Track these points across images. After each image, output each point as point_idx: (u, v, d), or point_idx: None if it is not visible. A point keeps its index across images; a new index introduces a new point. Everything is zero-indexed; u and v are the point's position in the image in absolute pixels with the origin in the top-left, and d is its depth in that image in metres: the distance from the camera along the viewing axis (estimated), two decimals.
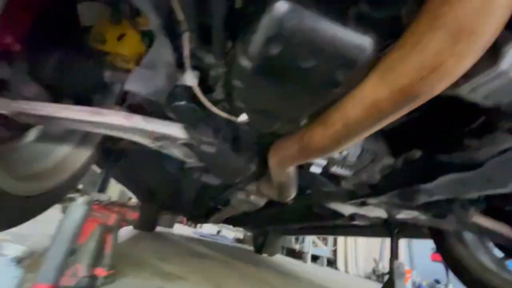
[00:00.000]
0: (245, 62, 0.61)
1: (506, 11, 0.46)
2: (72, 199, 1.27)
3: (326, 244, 5.82)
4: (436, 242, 1.97)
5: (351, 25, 0.54)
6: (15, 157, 1.00)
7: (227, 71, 0.81)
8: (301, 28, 0.53)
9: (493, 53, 0.59)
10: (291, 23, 0.52)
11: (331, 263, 5.83)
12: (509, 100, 0.68)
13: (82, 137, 1.27)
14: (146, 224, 4.04)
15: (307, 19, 0.52)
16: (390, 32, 0.60)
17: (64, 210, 1.25)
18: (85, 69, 0.96)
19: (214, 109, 0.82)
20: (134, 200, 3.70)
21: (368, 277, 5.31)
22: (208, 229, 7.55)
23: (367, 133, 0.74)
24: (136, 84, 0.89)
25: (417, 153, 1.05)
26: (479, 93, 0.67)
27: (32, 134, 1.07)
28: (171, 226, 6.63)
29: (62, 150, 1.20)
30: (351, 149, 1.17)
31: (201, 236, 6.30)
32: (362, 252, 5.48)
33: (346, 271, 5.56)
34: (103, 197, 1.65)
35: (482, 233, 1.50)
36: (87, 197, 1.13)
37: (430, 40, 0.50)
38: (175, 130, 1.03)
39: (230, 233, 7.13)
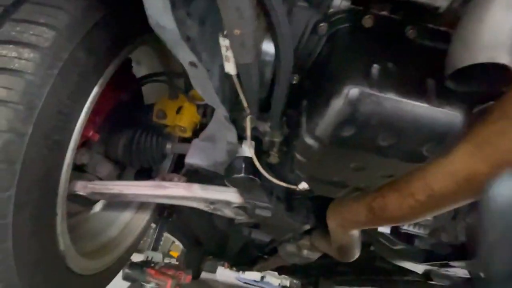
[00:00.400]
0: (311, 142, 0.59)
1: None
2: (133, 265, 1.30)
3: None
4: None
5: (434, 101, 0.50)
6: (84, 230, 1.07)
7: (285, 142, 0.80)
8: (375, 112, 0.49)
9: None
10: (365, 108, 0.49)
11: None
12: None
13: (142, 202, 1.33)
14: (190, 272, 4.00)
15: (382, 103, 0.49)
16: (483, 98, 0.54)
17: (125, 277, 1.28)
18: (150, 144, 1.04)
19: (275, 180, 0.80)
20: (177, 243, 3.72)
21: None
22: (251, 274, 7.17)
23: (458, 205, 0.64)
24: (197, 157, 0.92)
25: None
26: None
27: (98, 205, 1.16)
28: (213, 270, 6.45)
29: (125, 217, 1.26)
30: None
31: (245, 283, 5.98)
32: None
33: None
34: (157, 257, 1.67)
35: None
36: None
37: None
38: (231, 195, 1.02)
39: (275, 280, 6.66)
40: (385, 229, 1.11)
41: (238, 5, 0.37)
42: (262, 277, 7.10)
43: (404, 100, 0.49)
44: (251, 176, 0.83)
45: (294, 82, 0.72)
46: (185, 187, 0.97)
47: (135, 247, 1.28)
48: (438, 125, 0.50)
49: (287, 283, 6.42)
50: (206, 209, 1.16)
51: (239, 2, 0.37)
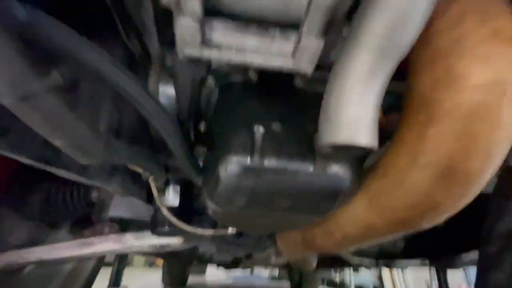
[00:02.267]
0: (213, 207, 0.55)
1: (508, 146, 0.37)
2: None
3: (370, 269, 5.35)
4: None
5: (320, 162, 0.47)
6: None
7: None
8: (259, 183, 0.46)
9: None
10: (247, 182, 0.45)
11: None
12: None
13: None
14: (175, 281, 3.94)
15: (264, 174, 0.46)
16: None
17: None
18: (71, 195, 0.95)
19: (196, 231, 0.76)
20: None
21: None
22: (241, 270, 7.26)
23: (371, 243, 0.64)
24: (120, 209, 0.86)
25: None
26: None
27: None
28: (203, 271, 6.44)
29: (66, 269, 1.17)
30: None
31: (235, 280, 6.05)
32: (412, 276, 4.96)
33: None
34: None
35: None
36: None
37: (416, 180, 0.41)
38: (168, 240, 0.97)
39: (264, 272, 6.81)
40: None
41: (50, 114, 0.31)
42: (251, 271, 7.23)
43: (288, 167, 0.46)
44: (175, 229, 0.78)
45: (201, 129, 0.68)
46: (116, 239, 0.91)
47: None
48: (325, 187, 0.48)
49: (276, 272, 6.60)
50: (149, 250, 1.10)
51: (52, 112, 0.31)
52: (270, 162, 0.46)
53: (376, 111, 0.40)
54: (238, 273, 6.64)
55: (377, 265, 1.53)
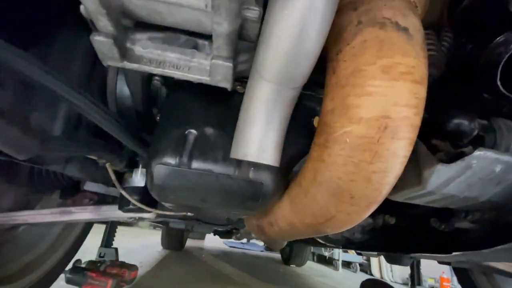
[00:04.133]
0: (153, 193, 0.61)
1: (391, 175, 0.40)
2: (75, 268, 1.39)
3: None
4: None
5: (241, 169, 0.51)
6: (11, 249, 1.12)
7: None
8: (183, 184, 0.51)
9: (417, 176, 0.52)
10: (171, 182, 0.51)
11: (365, 269, 5.59)
12: (455, 202, 0.59)
13: None
14: (173, 244, 4.32)
15: (188, 176, 0.50)
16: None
17: (67, 280, 1.38)
18: None
19: (155, 211, 0.83)
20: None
21: (405, 284, 4.99)
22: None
23: (307, 237, 0.71)
24: (92, 185, 0.94)
25: (390, 219, 0.95)
26: (419, 201, 0.59)
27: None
28: (202, 237, 6.90)
29: (55, 230, 1.31)
30: None
31: (231, 246, 6.44)
32: None
33: (382, 278, 5.29)
34: (110, 253, 1.77)
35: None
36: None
37: (315, 193, 0.46)
38: (142, 214, 1.07)
39: (260, 241, 7.19)
40: None
41: None
42: (248, 240, 7.64)
43: (213, 170, 0.51)
44: (140, 206, 0.86)
45: (158, 119, 0.72)
46: (92, 210, 1.01)
47: (71, 257, 1.36)
48: (246, 192, 0.52)
49: None
50: (130, 220, 1.22)
51: None
52: (196, 165, 0.51)
53: (280, 131, 0.43)
54: (235, 241, 7.05)
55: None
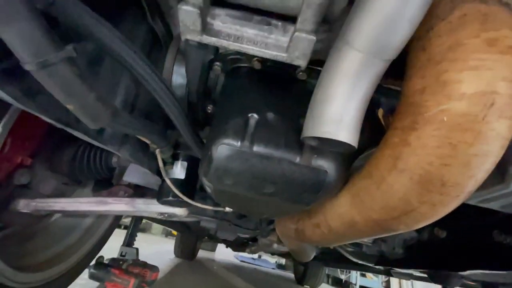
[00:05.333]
0: (207, 183, 0.60)
1: (491, 160, 0.36)
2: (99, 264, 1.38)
3: (377, 275, 5.27)
4: None
5: (306, 156, 0.49)
6: (37, 241, 1.12)
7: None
8: (246, 168, 0.49)
9: (500, 173, 0.47)
10: (234, 165, 0.49)
11: None
12: None
13: None
14: (186, 253, 4.25)
15: (252, 159, 0.49)
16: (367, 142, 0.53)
17: (90, 276, 1.37)
18: (94, 158, 1.06)
19: (195, 204, 0.82)
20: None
21: None
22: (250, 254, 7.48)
23: (355, 240, 0.66)
24: (133, 176, 0.95)
25: (441, 233, 0.88)
26: (494, 204, 0.54)
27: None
28: (213, 249, 6.78)
29: (86, 222, 1.32)
30: None
31: (242, 261, 6.27)
32: (421, 285, 4.79)
33: None
34: (131, 252, 1.76)
35: None
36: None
37: (394, 183, 0.42)
38: (175, 209, 1.05)
39: (271, 258, 6.97)
40: None
41: (64, 82, 0.37)
42: (260, 256, 7.43)
43: (275, 155, 0.49)
44: (179, 199, 0.85)
45: (209, 111, 0.72)
46: (127, 202, 1.00)
47: (96, 252, 1.35)
48: (309, 179, 0.50)
49: (283, 261, 6.73)
50: (159, 217, 1.20)
51: (65, 80, 0.36)
52: (258, 149, 0.49)
53: (361, 110, 0.40)
54: (246, 256, 6.87)
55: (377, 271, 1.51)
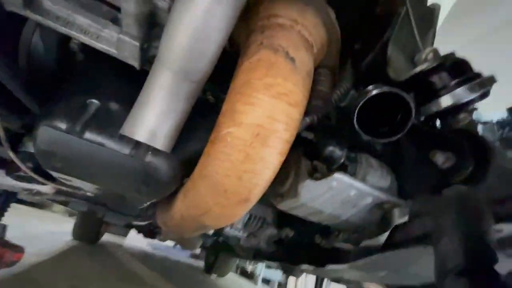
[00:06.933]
0: (37, 158, 0.57)
1: (261, 177, 0.45)
2: None
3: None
4: None
5: (142, 148, 0.52)
6: None
7: None
8: (74, 153, 0.50)
9: (295, 189, 0.59)
10: (58, 149, 0.49)
11: (282, 287, 5.81)
12: (324, 219, 0.69)
13: None
14: (86, 235, 3.75)
15: (77, 147, 0.49)
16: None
17: None
18: None
19: (42, 180, 0.77)
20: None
21: None
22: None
23: (197, 232, 0.73)
24: None
25: (290, 232, 1.05)
26: (298, 212, 0.67)
27: None
28: (125, 234, 6.31)
29: None
30: None
31: (155, 249, 6.05)
32: (313, 279, 5.50)
33: None
34: None
35: None
36: None
37: (200, 186, 0.49)
38: (39, 187, 0.96)
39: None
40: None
41: None
42: (175, 244, 7.29)
43: (107, 144, 0.51)
44: (30, 173, 0.78)
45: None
46: None
47: None
48: (141, 172, 0.53)
49: (198, 251, 6.76)
50: (25, 193, 1.08)
51: None
52: (90, 136, 0.50)
53: (175, 122, 0.46)
54: (160, 244, 6.66)
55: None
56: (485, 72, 0.53)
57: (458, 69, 0.50)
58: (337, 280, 1.16)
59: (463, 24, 2.40)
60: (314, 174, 0.59)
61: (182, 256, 6.36)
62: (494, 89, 0.53)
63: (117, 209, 1.14)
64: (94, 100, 0.51)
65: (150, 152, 0.53)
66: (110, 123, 0.51)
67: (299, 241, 1.03)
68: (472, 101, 0.50)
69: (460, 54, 0.54)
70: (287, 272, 1.22)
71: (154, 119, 0.43)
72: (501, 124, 1.20)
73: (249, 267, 5.57)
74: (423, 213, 0.55)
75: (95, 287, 2.23)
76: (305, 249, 0.99)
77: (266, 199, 1.17)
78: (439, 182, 0.55)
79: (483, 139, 0.52)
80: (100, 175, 0.53)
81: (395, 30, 0.59)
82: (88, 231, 3.75)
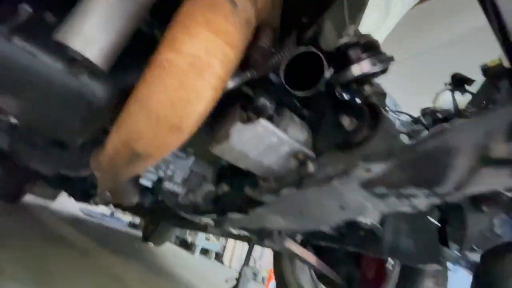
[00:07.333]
0: None
1: (197, 104, 0.50)
2: None
3: (218, 239, 6.05)
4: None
5: (77, 67, 0.52)
6: None
7: None
8: (10, 60, 0.47)
9: (225, 132, 0.65)
10: None
11: (219, 257, 6.10)
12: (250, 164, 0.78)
13: None
14: (3, 193, 3.34)
15: (15, 51, 0.47)
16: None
17: None
18: None
19: None
20: None
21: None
22: (101, 208, 6.86)
23: (129, 164, 0.75)
24: None
25: (225, 188, 1.14)
26: (229, 157, 0.75)
27: None
28: (53, 198, 5.74)
29: None
30: (178, 168, 1.20)
31: (89, 215, 5.68)
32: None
33: (230, 266, 5.91)
34: None
35: (293, 257, 1.78)
36: None
37: (134, 111, 0.52)
38: None
39: (126, 217, 6.66)
40: (146, 183, 1.24)
41: None
42: (112, 213, 6.94)
43: (40, 56, 0.49)
44: None
45: None
46: None
47: None
48: (74, 91, 0.53)
49: (138, 221, 6.56)
50: None
51: None
52: (20, 42, 0.48)
53: (114, 38, 0.47)
54: (95, 211, 6.26)
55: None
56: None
57: (369, 47, 0.62)
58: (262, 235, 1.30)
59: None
60: (247, 122, 0.66)
61: (119, 224, 6.11)
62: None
63: (46, 152, 1.06)
64: (26, 7, 0.48)
65: (86, 73, 0.53)
66: (45, 32, 0.49)
67: (232, 195, 1.13)
68: (375, 74, 0.63)
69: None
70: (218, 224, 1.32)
71: (92, 28, 0.43)
72: (415, 120, 1.50)
73: (189, 238, 5.67)
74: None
75: (16, 248, 2.01)
76: (235, 201, 1.10)
77: (207, 157, 1.23)
78: (344, 141, 0.68)
79: (379, 109, 0.66)
80: (30, 91, 0.51)
81: (332, 9, 0.69)
82: (5, 188, 3.35)
